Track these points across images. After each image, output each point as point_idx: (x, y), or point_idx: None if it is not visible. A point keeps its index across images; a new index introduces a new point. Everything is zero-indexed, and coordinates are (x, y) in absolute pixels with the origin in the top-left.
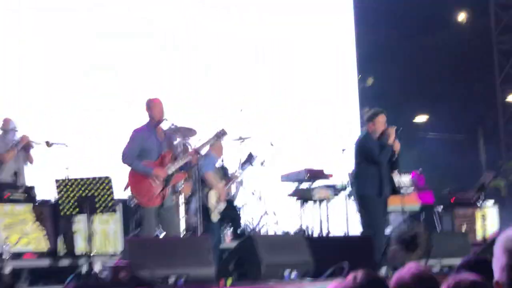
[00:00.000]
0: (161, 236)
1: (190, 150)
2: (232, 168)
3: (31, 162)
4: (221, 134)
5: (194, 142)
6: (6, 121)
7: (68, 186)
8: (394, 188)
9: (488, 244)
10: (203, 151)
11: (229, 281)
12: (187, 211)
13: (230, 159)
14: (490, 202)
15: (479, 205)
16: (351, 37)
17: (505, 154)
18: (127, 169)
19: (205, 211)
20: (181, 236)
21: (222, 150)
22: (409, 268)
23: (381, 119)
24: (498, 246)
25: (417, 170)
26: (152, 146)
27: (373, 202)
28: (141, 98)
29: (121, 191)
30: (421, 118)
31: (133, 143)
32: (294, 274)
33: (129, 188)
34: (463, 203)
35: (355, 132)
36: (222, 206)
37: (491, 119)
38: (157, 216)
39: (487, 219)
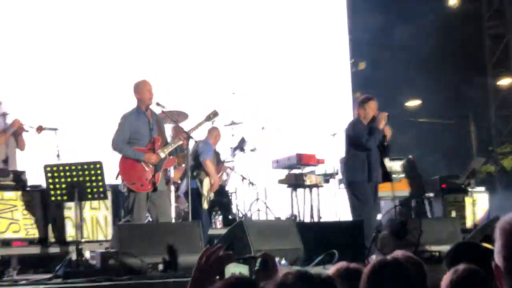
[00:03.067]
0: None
1: (181, 133)
2: (224, 153)
3: (21, 148)
4: (212, 115)
5: (185, 126)
6: None
7: (58, 172)
8: (387, 174)
9: (477, 230)
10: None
11: None
12: (176, 199)
13: (222, 144)
14: (480, 188)
15: (469, 191)
16: (343, 21)
17: (496, 140)
18: (118, 154)
19: (198, 196)
20: (172, 222)
21: (219, 138)
22: (395, 255)
23: (372, 105)
24: (497, 229)
25: (408, 156)
26: (142, 130)
27: (362, 188)
28: (132, 82)
29: (112, 177)
30: (412, 103)
31: (122, 129)
32: (283, 261)
33: (120, 175)
34: (453, 189)
35: (347, 117)
36: (212, 195)
37: (482, 104)
38: (149, 201)
39: (477, 205)
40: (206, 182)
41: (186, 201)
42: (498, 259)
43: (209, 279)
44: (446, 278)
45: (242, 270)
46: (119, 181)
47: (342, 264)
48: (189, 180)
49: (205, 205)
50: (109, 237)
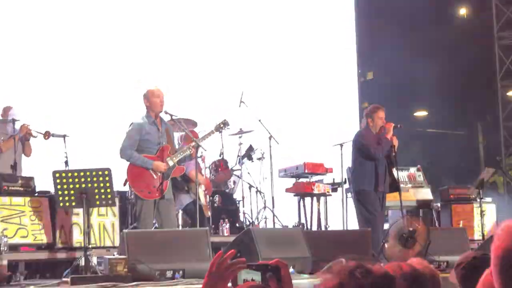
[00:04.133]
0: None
1: (190, 142)
2: (232, 161)
3: (27, 154)
4: (222, 125)
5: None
6: (6, 110)
7: (66, 178)
8: (395, 185)
9: (486, 240)
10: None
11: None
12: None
13: (230, 152)
14: (488, 199)
15: (477, 201)
16: (351, 31)
17: (505, 150)
18: (127, 161)
19: (199, 208)
20: (180, 229)
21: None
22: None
23: (380, 115)
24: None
25: (416, 166)
26: (151, 138)
27: (369, 198)
28: (142, 89)
29: (120, 184)
30: (421, 114)
31: (131, 137)
32: (291, 269)
33: (128, 182)
34: (461, 199)
35: (354, 126)
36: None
37: (491, 115)
38: (156, 209)
39: (485, 215)
40: (201, 191)
41: (186, 217)
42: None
43: (221, 285)
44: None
45: (254, 277)
46: (126, 188)
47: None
48: (197, 189)
49: (207, 213)
50: (117, 243)
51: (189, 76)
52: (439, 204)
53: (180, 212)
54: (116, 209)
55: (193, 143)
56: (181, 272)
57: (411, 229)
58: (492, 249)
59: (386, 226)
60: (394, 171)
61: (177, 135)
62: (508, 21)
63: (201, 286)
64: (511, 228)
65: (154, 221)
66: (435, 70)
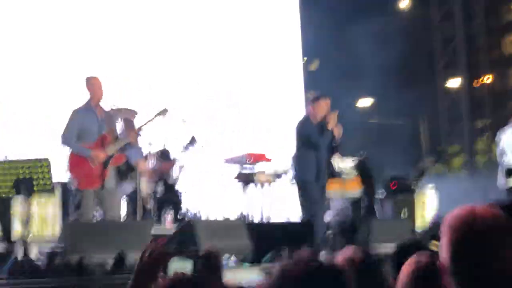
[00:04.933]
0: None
1: (131, 131)
2: (175, 151)
3: None
4: (162, 113)
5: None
6: None
7: (4, 168)
8: (332, 173)
9: (428, 229)
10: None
11: None
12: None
13: (172, 142)
14: (429, 188)
15: (419, 190)
16: (296, 20)
17: (445, 140)
18: (68, 151)
19: (139, 197)
20: (122, 219)
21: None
22: (344, 252)
23: (323, 104)
24: (443, 226)
25: (359, 156)
26: (91, 126)
27: (311, 187)
28: (82, 77)
29: (61, 174)
30: (364, 104)
31: (71, 124)
32: (232, 259)
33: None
34: (403, 189)
35: (299, 116)
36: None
37: (432, 105)
38: (96, 198)
39: (427, 204)
40: (144, 182)
41: (129, 203)
42: (443, 256)
43: (152, 274)
44: (407, 269)
45: (185, 266)
46: (68, 177)
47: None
48: (137, 179)
49: (148, 206)
50: (57, 234)
51: (131, 64)
52: (381, 194)
53: (124, 200)
54: (57, 199)
55: (133, 132)
56: (121, 262)
57: (352, 218)
58: (445, 241)
59: (328, 215)
60: (337, 160)
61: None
62: (448, 14)
63: None
64: (461, 218)
65: (95, 212)
66: (379, 60)
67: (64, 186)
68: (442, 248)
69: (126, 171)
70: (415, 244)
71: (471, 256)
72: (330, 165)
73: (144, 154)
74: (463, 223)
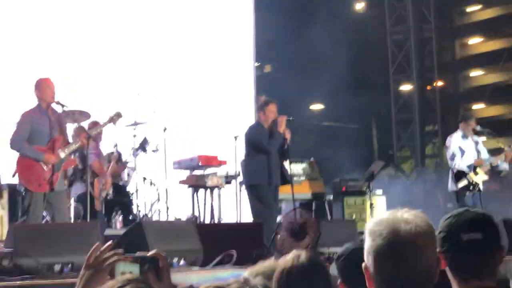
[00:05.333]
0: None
1: (82, 134)
2: (126, 153)
3: None
4: (115, 117)
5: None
6: None
7: None
8: (285, 178)
9: None
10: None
11: None
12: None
13: (124, 144)
14: (379, 191)
15: (368, 193)
16: (249, 24)
17: (396, 144)
18: (16, 154)
19: (90, 199)
20: (70, 222)
21: (100, 139)
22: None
23: (272, 108)
24: (365, 230)
25: (310, 159)
26: (42, 129)
27: (262, 191)
28: (32, 80)
29: (9, 176)
30: (316, 107)
31: (21, 128)
32: (182, 262)
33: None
34: (353, 192)
35: (250, 119)
36: (105, 193)
37: (384, 109)
38: (46, 202)
39: (376, 208)
40: (96, 183)
41: (79, 204)
42: (367, 260)
43: (97, 278)
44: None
45: (132, 269)
46: (16, 180)
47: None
48: (87, 181)
49: (98, 207)
50: (4, 237)
51: (83, 66)
52: (331, 197)
53: (73, 203)
54: (5, 201)
55: (85, 135)
56: (70, 265)
57: (302, 221)
58: (368, 246)
59: (279, 218)
60: (287, 164)
61: (70, 127)
62: (400, 17)
63: None
64: (384, 223)
65: (44, 214)
66: (331, 63)
67: (11, 188)
68: (366, 252)
69: (78, 172)
70: (360, 247)
71: (394, 259)
72: (281, 168)
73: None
74: (385, 228)
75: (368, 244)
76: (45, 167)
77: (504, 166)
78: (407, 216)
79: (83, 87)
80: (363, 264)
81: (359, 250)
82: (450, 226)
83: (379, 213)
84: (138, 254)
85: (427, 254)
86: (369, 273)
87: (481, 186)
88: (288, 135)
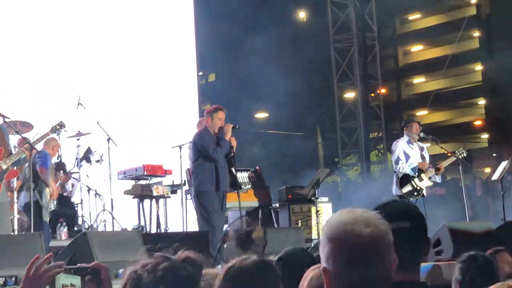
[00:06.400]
0: None
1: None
2: (70, 164)
3: None
4: (58, 126)
5: (30, 137)
6: None
7: None
8: (235, 182)
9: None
10: (39, 146)
11: None
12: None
13: (68, 155)
14: (324, 198)
15: (314, 201)
16: (191, 33)
17: (342, 151)
18: None
19: (38, 208)
20: (13, 234)
21: (57, 149)
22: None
23: (220, 115)
24: (322, 234)
25: (255, 167)
26: None
27: (210, 198)
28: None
29: None
30: (261, 115)
31: None
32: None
33: None
34: (299, 199)
35: (194, 128)
36: (52, 206)
37: (329, 116)
38: None
39: (322, 215)
40: (46, 193)
41: (25, 214)
42: (327, 263)
43: None
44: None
45: (73, 281)
46: None
47: None
48: (31, 190)
49: (46, 217)
50: None
51: (25, 76)
52: (277, 205)
53: (16, 216)
54: None
55: (27, 146)
56: (13, 278)
57: (248, 229)
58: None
59: (225, 227)
60: (234, 171)
61: (14, 139)
62: (343, 25)
63: None
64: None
65: None
66: (276, 72)
67: None
68: (325, 255)
69: (26, 181)
70: (300, 252)
71: (357, 263)
72: (232, 175)
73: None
74: (346, 231)
75: (327, 247)
76: None
77: (436, 179)
78: (366, 217)
79: (24, 97)
80: (322, 267)
81: (297, 253)
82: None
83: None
84: (79, 265)
85: (387, 255)
86: (329, 276)
87: (424, 192)
88: (234, 143)
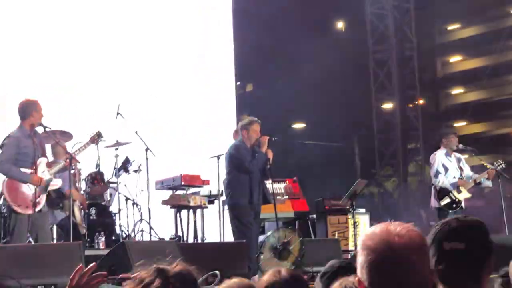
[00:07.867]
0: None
1: (64, 155)
2: (108, 173)
3: None
4: (96, 136)
5: (69, 146)
6: None
7: None
8: (266, 198)
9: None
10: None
11: None
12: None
13: (106, 164)
14: (361, 210)
15: (351, 212)
16: (229, 42)
17: (379, 162)
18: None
19: (74, 225)
20: (52, 243)
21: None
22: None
23: (256, 128)
24: (358, 245)
25: (292, 178)
26: (28, 151)
27: (244, 211)
28: (16, 100)
29: None
30: (299, 125)
31: (8, 150)
32: None
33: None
34: (336, 210)
35: (232, 138)
36: (92, 213)
37: (367, 127)
38: (30, 222)
39: (359, 226)
40: (76, 208)
41: (60, 231)
42: (361, 274)
43: None
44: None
45: None
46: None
47: None
48: (70, 206)
49: (82, 231)
50: None
51: (64, 87)
52: (314, 216)
53: (55, 226)
54: None
55: (67, 156)
56: (53, 287)
57: (285, 240)
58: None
59: (261, 237)
60: (269, 183)
61: (48, 147)
62: (381, 35)
63: None
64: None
65: (28, 235)
66: (313, 82)
67: None
68: (360, 266)
69: (57, 199)
70: (345, 265)
71: (389, 273)
72: (264, 188)
73: (75, 179)
74: (379, 242)
75: (362, 258)
76: (31, 189)
77: (487, 183)
78: (400, 229)
79: (63, 107)
80: (356, 278)
81: (344, 267)
82: (435, 235)
83: (370, 228)
84: (122, 276)
85: (421, 267)
86: (363, 286)
87: (463, 204)
88: (270, 155)
